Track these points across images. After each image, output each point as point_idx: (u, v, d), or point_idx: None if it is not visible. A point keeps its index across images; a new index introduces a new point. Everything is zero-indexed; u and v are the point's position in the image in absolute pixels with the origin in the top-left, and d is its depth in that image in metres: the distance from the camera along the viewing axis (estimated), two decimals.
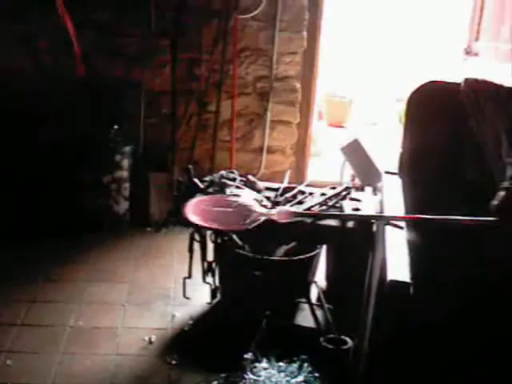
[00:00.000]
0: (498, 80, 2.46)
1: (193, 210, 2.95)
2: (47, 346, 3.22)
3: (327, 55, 5.76)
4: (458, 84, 2.63)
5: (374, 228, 2.78)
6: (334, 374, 2.90)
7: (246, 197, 3.08)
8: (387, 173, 2.86)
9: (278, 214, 2.83)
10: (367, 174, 3.41)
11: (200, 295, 3.48)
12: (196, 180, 3.31)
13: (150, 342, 3.27)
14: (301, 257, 3.22)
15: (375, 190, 3.27)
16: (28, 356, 3.13)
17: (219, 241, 3.29)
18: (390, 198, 2.62)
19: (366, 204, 3.03)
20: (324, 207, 3.06)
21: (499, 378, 2.25)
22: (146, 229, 4.64)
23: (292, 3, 4.74)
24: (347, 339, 3.06)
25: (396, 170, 2.91)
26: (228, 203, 3.00)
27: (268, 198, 3.17)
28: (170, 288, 3.80)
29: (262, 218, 2.80)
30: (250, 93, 4.92)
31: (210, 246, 3.30)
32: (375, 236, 2.69)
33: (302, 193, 3.26)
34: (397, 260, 2.41)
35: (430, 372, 2.32)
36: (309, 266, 3.31)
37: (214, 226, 2.88)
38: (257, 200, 3.08)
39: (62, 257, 4.17)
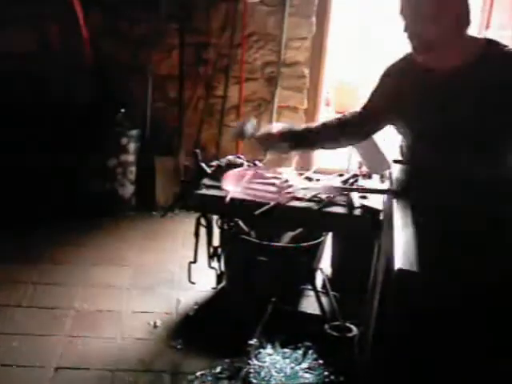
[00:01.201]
0: None
1: (230, 181, 2.99)
2: (52, 328, 3.22)
3: (337, 41, 5.71)
4: None
5: (381, 216, 2.77)
6: (338, 361, 2.90)
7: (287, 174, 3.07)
8: (395, 161, 2.85)
9: (322, 188, 2.82)
10: (375, 161, 3.39)
11: (205, 280, 3.47)
12: (203, 164, 3.30)
13: (155, 327, 3.28)
14: (306, 244, 3.21)
15: (383, 178, 3.26)
16: (33, 338, 3.13)
17: (225, 226, 3.28)
18: None
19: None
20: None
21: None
22: (151, 213, 4.65)
23: None
24: (352, 327, 3.06)
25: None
26: (268, 177, 3.05)
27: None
28: (175, 272, 3.80)
29: (304, 193, 2.81)
30: (258, 78, 4.90)
31: (216, 231, 3.30)
32: (382, 223, 2.68)
33: (309, 179, 3.25)
34: (404, 248, 2.40)
35: (436, 362, 2.31)
36: (314, 252, 3.30)
37: (249, 197, 2.90)
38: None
39: (67, 240, 4.18)
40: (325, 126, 2.82)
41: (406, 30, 2.40)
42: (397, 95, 2.57)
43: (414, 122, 2.56)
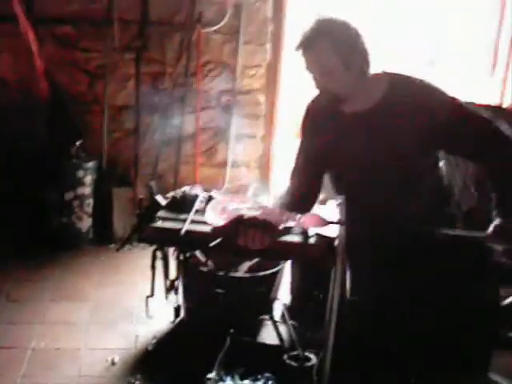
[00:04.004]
0: None
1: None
2: (7, 369, 3.14)
3: (292, 67, 5.73)
4: None
5: (336, 243, 2.77)
6: None
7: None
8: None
9: (306, 219, 2.76)
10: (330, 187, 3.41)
11: (164, 313, 3.44)
12: (158, 197, 3.27)
13: (113, 363, 3.23)
14: (263, 273, 3.20)
15: (338, 204, 3.26)
16: None
17: (181, 258, 3.26)
18: None
19: (327, 217, 3.03)
20: None
21: None
22: (109, 245, 4.60)
23: (255, 16, 4.73)
24: (311, 356, 3.05)
25: None
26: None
27: None
28: (133, 306, 3.73)
29: (290, 223, 2.76)
30: (214, 106, 4.90)
31: (173, 263, 3.27)
32: (336, 251, 2.68)
33: None
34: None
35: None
36: (272, 282, 3.29)
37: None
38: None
39: (23, 276, 4.10)
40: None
41: (316, 85, 2.42)
42: (318, 144, 2.59)
43: (335, 167, 2.60)
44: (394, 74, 2.42)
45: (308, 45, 2.32)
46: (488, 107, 3.47)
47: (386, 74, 2.41)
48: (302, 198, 2.68)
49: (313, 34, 2.31)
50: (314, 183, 2.70)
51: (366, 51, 2.33)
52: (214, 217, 2.83)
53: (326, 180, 3.22)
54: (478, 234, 2.39)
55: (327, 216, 2.70)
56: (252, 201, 2.97)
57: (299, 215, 2.80)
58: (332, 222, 2.62)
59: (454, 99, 2.37)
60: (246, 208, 2.73)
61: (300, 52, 2.36)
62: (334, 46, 2.28)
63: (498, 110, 3.94)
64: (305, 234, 2.90)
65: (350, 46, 2.29)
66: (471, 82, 4.86)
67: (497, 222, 2.34)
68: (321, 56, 2.31)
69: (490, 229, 2.35)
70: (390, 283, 2.40)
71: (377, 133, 2.37)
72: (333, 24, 2.31)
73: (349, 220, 2.36)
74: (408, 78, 2.41)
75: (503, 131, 2.36)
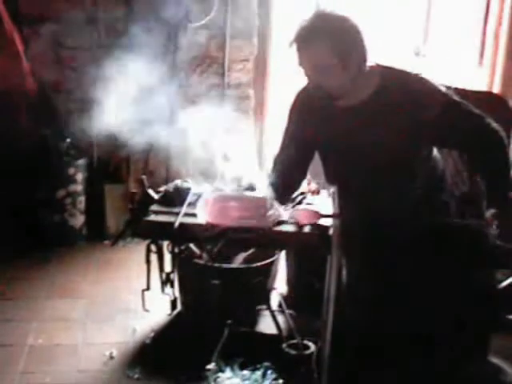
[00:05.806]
0: None
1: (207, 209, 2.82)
2: (6, 366, 3.15)
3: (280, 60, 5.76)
4: None
5: (330, 231, 2.79)
6: (297, 379, 2.90)
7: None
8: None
9: (300, 214, 2.71)
10: (322, 177, 3.42)
11: (160, 307, 3.44)
12: (150, 191, 3.28)
13: (111, 357, 3.23)
14: (259, 264, 3.22)
15: (331, 193, 3.28)
16: None
17: (176, 250, 3.26)
18: None
19: (321, 208, 3.04)
20: None
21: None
22: (103, 242, 4.61)
23: (242, 10, 4.73)
24: (310, 344, 3.06)
25: None
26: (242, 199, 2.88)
27: None
28: (130, 301, 3.74)
29: (283, 217, 2.72)
30: (203, 101, 4.89)
31: (168, 257, 3.28)
32: (331, 239, 2.70)
33: None
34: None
35: (389, 374, 2.36)
36: (268, 272, 3.31)
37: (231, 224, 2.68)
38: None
39: (19, 274, 4.11)
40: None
41: (309, 80, 2.38)
42: (306, 132, 2.59)
43: (328, 156, 2.61)
44: (387, 67, 2.40)
45: (304, 41, 2.26)
46: (479, 93, 3.51)
47: (379, 67, 2.37)
48: (285, 184, 2.66)
49: (310, 30, 2.25)
50: (299, 170, 2.69)
51: (365, 48, 2.27)
52: (203, 213, 2.82)
53: (320, 169, 3.27)
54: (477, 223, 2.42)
55: (320, 209, 2.71)
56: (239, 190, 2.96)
57: (287, 207, 2.79)
58: (326, 216, 2.62)
59: (445, 93, 2.37)
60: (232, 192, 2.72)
61: (294, 47, 2.30)
62: (331, 44, 2.22)
63: (488, 95, 3.98)
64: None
65: (349, 45, 2.24)
66: (459, 72, 4.89)
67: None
68: (317, 54, 2.25)
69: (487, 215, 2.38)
70: (386, 270, 2.42)
71: (369, 125, 2.36)
72: (332, 20, 2.26)
73: (342, 208, 2.37)
74: (401, 71, 2.39)
75: (494, 126, 2.37)
